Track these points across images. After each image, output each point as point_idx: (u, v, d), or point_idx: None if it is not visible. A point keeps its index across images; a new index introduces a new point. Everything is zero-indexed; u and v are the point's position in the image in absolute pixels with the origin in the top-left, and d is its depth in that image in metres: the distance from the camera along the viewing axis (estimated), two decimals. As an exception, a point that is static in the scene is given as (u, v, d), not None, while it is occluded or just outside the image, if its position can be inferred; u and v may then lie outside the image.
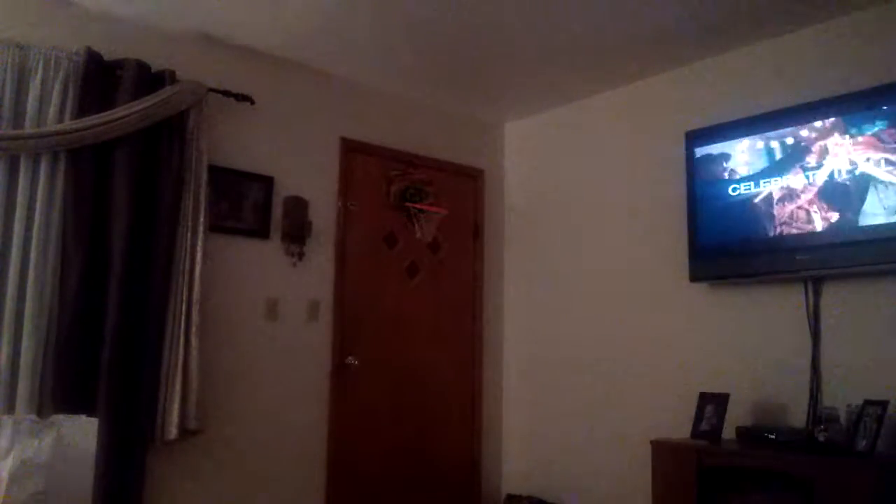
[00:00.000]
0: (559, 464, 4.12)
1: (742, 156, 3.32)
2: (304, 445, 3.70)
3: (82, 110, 3.06)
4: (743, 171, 3.31)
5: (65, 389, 2.94)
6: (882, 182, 2.87)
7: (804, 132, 3.13)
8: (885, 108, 2.89)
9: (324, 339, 3.83)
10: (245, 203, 3.60)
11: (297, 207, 3.75)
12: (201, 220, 3.32)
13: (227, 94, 3.51)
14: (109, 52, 3.20)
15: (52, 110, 3.02)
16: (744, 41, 3.46)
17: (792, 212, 3.13)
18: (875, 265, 2.90)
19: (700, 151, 3.47)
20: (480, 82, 4.10)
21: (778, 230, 3.17)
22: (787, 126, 3.18)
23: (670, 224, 3.64)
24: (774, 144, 3.22)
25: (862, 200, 2.92)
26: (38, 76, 3.02)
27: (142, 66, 3.25)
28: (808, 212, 3.08)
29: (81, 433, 2.48)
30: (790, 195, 3.15)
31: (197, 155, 3.35)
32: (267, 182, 3.67)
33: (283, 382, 3.65)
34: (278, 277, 3.68)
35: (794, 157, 3.15)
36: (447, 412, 4.29)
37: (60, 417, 2.50)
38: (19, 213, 2.95)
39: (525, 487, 4.26)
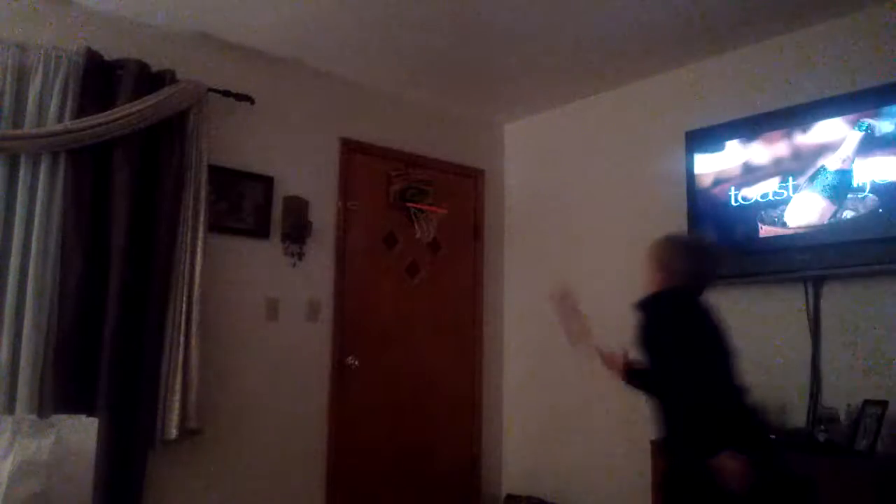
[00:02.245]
0: (559, 464, 4.12)
1: (742, 156, 3.32)
2: (304, 445, 3.70)
3: (82, 110, 3.06)
4: (743, 170, 3.31)
5: (65, 389, 2.94)
6: (883, 181, 2.87)
7: (804, 132, 3.13)
8: (887, 107, 2.89)
9: (324, 339, 3.82)
10: (245, 203, 3.60)
11: (297, 207, 3.74)
12: (201, 220, 3.32)
13: (227, 94, 3.51)
14: (109, 52, 3.20)
15: (52, 110, 3.02)
16: (744, 41, 3.46)
17: (792, 211, 3.13)
18: (875, 265, 2.90)
19: (700, 152, 3.48)
20: (480, 82, 4.10)
21: (778, 230, 3.17)
22: (788, 126, 3.18)
23: (670, 224, 3.61)
24: (775, 144, 3.22)
25: (862, 200, 2.92)
26: (38, 76, 3.01)
27: (142, 66, 3.25)
28: (808, 212, 3.08)
29: (81, 433, 2.48)
30: (790, 195, 3.15)
31: (197, 155, 3.35)
32: (267, 182, 3.67)
33: (283, 382, 3.65)
34: (278, 277, 3.68)
35: (795, 156, 3.15)
36: (447, 412, 4.29)
37: (60, 417, 2.50)
38: (19, 213, 2.95)
39: (525, 487, 4.26)
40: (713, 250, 2.31)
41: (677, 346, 2.11)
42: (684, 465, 2.18)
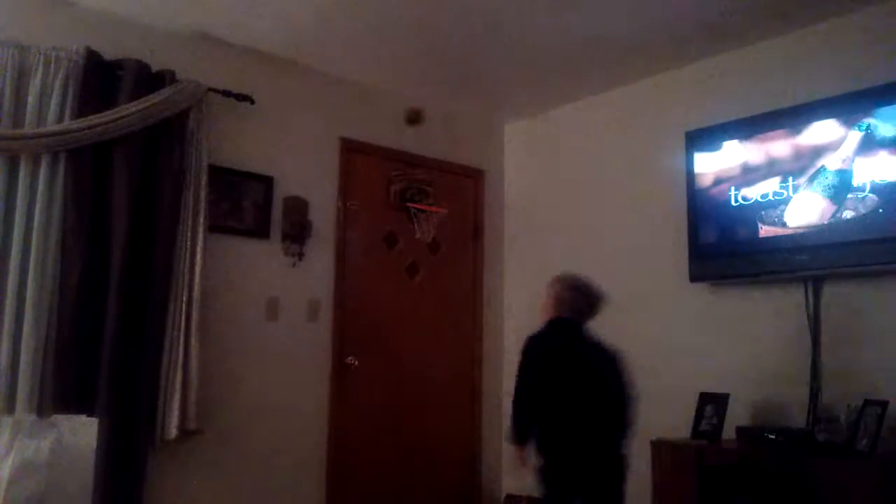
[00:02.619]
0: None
1: (742, 156, 3.32)
2: (304, 445, 3.70)
3: (82, 110, 3.06)
4: (743, 171, 3.31)
5: (65, 389, 2.94)
6: (883, 181, 2.87)
7: (804, 132, 3.12)
8: (887, 107, 2.89)
9: (324, 339, 3.82)
10: (245, 203, 3.60)
11: (297, 207, 3.75)
12: (201, 220, 3.32)
13: (227, 94, 3.51)
14: (109, 52, 3.20)
15: (52, 110, 3.02)
16: (744, 41, 3.46)
17: (792, 211, 3.13)
18: (875, 265, 2.90)
19: (700, 151, 3.47)
20: (480, 82, 4.09)
21: (778, 230, 3.17)
22: (788, 126, 3.18)
23: (670, 224, 3.63)
24: (775, 144, 3.22)
25: (862, 200, 2.92)
26: (38, 76, 3.01)
27: (142, 66, 3.25)
28: (808, 211, 3.08)
29: (81, 433, 2.48)
30: (790, 195, 3.14)
31: (197, 155, 3.35)
32: (267, 182, 3.67)
33: (283, 382, 3.65)
34: (278, 277, 3.68)
35: (795, 156, 3.15)
36: (447, 412, 4.29)
37: (60, 417, 2.50)
38: (19, 213, 2.94)
39: (525, 487, 4.26)
40: (596, 292, 2.85)
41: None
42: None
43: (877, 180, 2.88)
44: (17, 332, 2.90)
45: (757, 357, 3.30)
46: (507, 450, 4.42)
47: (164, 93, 3.24)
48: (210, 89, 3.43)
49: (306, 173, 3.83)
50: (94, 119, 3.05)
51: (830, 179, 3.02)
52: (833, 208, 3.00)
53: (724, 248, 3.35)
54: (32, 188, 2.98)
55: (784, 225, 3.15)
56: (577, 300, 2.81)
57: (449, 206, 4.42)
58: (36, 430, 2.40)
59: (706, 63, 3.66)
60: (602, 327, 3.97)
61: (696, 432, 3.16)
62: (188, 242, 3.28)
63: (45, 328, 2.95)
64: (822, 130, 3.07)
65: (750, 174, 3.28)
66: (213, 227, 3.42)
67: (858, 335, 3.01)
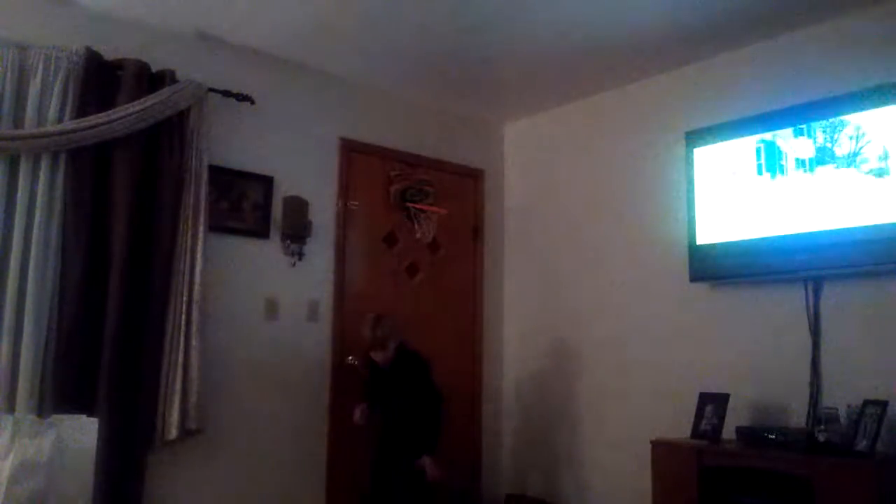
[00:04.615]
0: (559, 464, 4.12)
1: (742, 156, 3.32)
2: (304, 445, 3.70)
3: (82, 110, 3.07)
4: (743, 170, 3.31)
5: (65, 389, 2.94)
6: (881, 181, 2.87)
7: (805, 131, 3.12)
8: (885, 107, 2.88)
9: (324, 338, 3.82)
10: (245, 203, 3.61)
11: (297, 207, 3.75)
12: (201, 220, 3.32)
13: (227, 94, 3.51)
14: (109, 52, 3.20)
15: (52, 110, 3.02)
16: (744, 41, 3.46)
17: (792, 212, 3.13)
18: (875, 265, 2.89)
19: (700, 151, 3.47)
20: (480, 82, 4.09)
21: (778, 230, 3.16)
22: (787, 126, 3.17)
23: (670, 224, 3.64)
24: (774, 144, 3.22)
25: (862, 200, 2.92)
26: (38, 76, 3.01)
27: (142, 66, 3.25)
28: (808, 212, 3.08)
29: (81, 433, 2.48)
30: (790, 195, 3.14)
31: (197, 155, 3.35)
32: (267, 182, 3.67)
33: (283, 382, 3.65)
34: (278, 277, 3.68)
35: (794, 156, 3.14)
36: (447, 412, 4.28)
37: (60, 417, 2.50)
38: (19, 213, 2.95)
39: (525, 487, 4.26)
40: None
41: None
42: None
43: (877, 179, 2.88)
44: (18, 332, 2.90)
45: (757, 357, 3.30)
46: (508, 449, 4.44)
47: (164, 93, 3.25)
48: (210, 89, 3.43)
49: (306, 173, 3.83)
50: (94, 119, 3.06)
51: (831, 179, 3.02)
52: (834, 208, 3.00)
53: (724, 248, 3.34)
54: (32, 188, 2.99)
55: (784, 225, 3.15)
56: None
57: (449, 206, 4.42)
58: (36, 430, 2.39)
59: (706, 63, 3.65)
60: (603, 327, 3.99)
61: (696, 432, 3.16)
62: (188, 242, 3.28)
63: (45, 328, 2.96)
64: (823, 130, 3.06)
65: (750, 174, 3.28)
66: (213, 227, 3.42)
67: (858, 335, 3.01)
